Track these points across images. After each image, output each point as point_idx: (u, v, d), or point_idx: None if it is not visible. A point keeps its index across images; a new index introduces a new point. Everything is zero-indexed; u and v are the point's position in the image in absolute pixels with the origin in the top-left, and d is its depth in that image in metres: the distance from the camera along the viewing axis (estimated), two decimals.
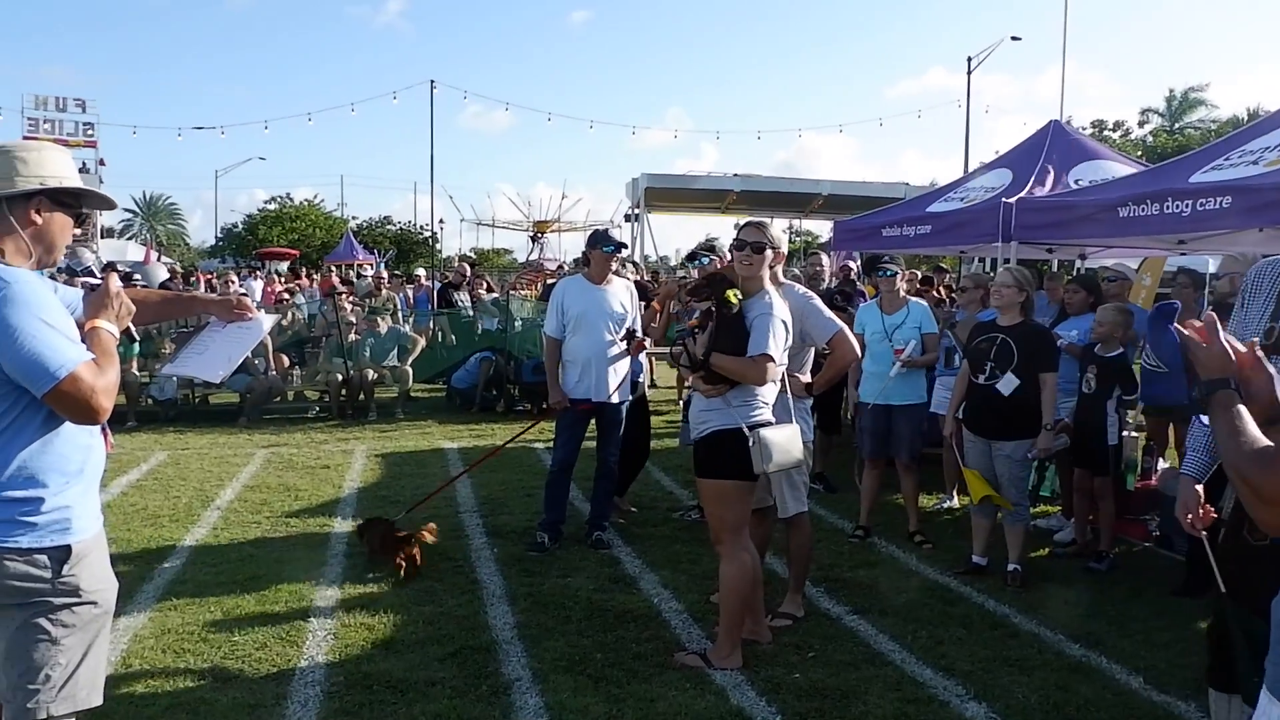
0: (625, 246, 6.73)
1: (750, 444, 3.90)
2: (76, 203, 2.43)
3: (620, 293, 6.01)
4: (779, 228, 4.33)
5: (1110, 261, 9.34)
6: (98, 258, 22.67)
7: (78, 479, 2.30)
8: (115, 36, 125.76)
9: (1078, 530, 6.00)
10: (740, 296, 4.00)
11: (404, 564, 5.17)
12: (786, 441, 4.01)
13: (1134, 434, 6.98)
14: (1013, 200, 7.53)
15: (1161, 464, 6.49)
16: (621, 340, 5.92)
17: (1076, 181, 8.26)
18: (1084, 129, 32.57)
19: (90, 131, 34.92)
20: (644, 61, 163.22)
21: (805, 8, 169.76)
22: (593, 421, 6.06)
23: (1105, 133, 37.58)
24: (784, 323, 3.98)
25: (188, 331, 2.73)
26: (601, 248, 5.91)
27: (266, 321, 2.89)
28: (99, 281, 2.44)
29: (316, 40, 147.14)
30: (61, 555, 2.24)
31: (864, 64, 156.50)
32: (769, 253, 4.07)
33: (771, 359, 3.87)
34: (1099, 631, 4.61)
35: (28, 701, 2.23)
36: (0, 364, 2.13)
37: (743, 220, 4.60)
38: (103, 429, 2.39)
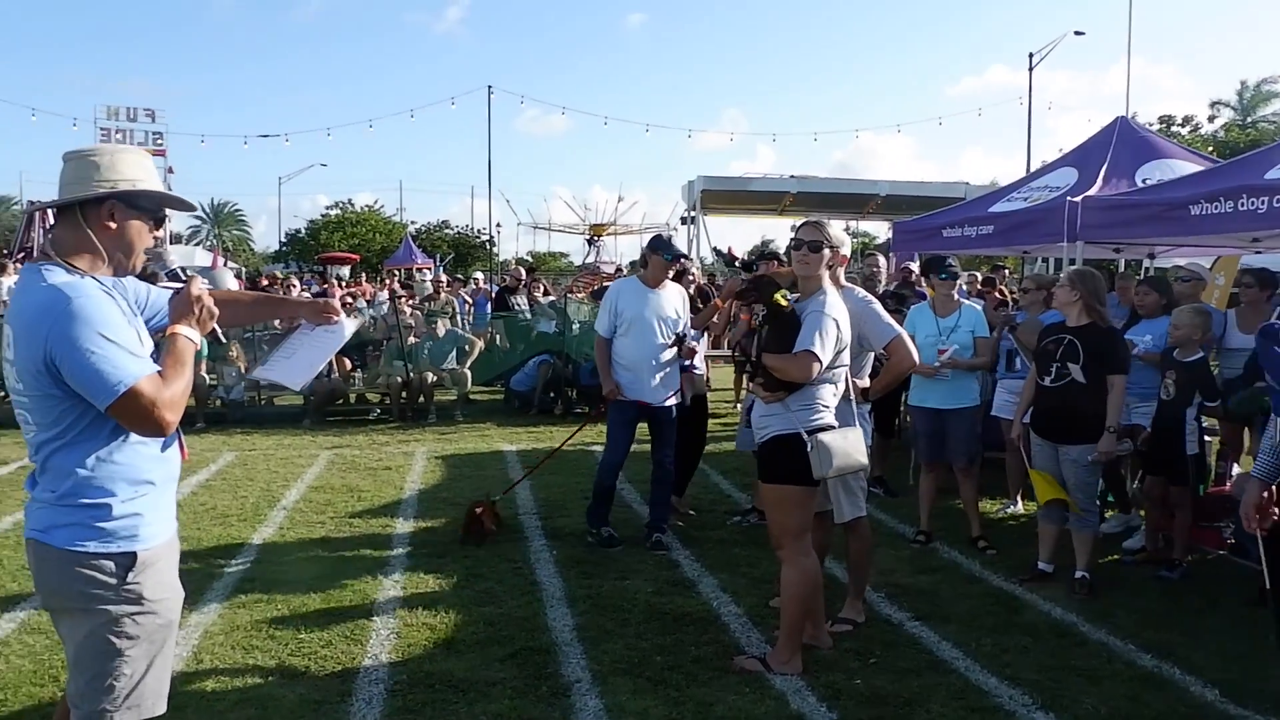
0: (686, 257, 6.76)
1: (809, 449, 3.88)
2: (154, 206, 2.39)
3: (674, 297, 6.03)
4: (839, 228, 4.29)
5: (1183, 261, 9.09)
6: (169, 262, 23.31)
7: (148, 487, 2.31)
8: (185, 47, 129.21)
9: (1148, 539, 5.84)
10: (790, 298, 3.99)
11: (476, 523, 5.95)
12: (848, 446, 3.97)
13: (1207, 439, 6.79)
14: (1078, 199, 7.37)
15: (1235, 469, 6.29)
16: (672, 345, 5.94)
17: (1144, 180, 8.04)
18: (1151, 125, 31.75)
19: (160, 140, 35.93)
20: (699, 64, 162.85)
21: (864, 8, 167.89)
22: (644, 425, 6.08)
23: (1174, 128, 36.57)
24: (836, 321, 3.93)
25: (279, 334, 2.82)
26: (662, 254, 5.95)
27: (350, 326, 2.90)
28: (182, 285, 2.47)
29: (377, 48, 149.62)
30: (128, 562, 2.26)
31: (924, 63, 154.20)
32: (826, 252, 4.04)
33: (815, 356, 3.82)
34: (1171, 642, 4.49)
35: (95, 706, 2.27)
36: (63, 375, 2.14)
37: (800, 221, 4.59)
38: (178, 439, 2.41)
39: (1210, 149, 26.77)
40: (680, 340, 5.97)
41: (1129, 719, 3.72)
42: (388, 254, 37.77)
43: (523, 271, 16.53)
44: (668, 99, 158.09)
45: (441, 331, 11.96)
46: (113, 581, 2.24)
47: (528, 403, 11.67)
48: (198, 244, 53.42)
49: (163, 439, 2.31)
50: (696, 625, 4.62)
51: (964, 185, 28.17)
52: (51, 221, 2.45)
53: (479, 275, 23.42)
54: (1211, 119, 39.57)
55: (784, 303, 3.94)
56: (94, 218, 2.27)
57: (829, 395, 4.02)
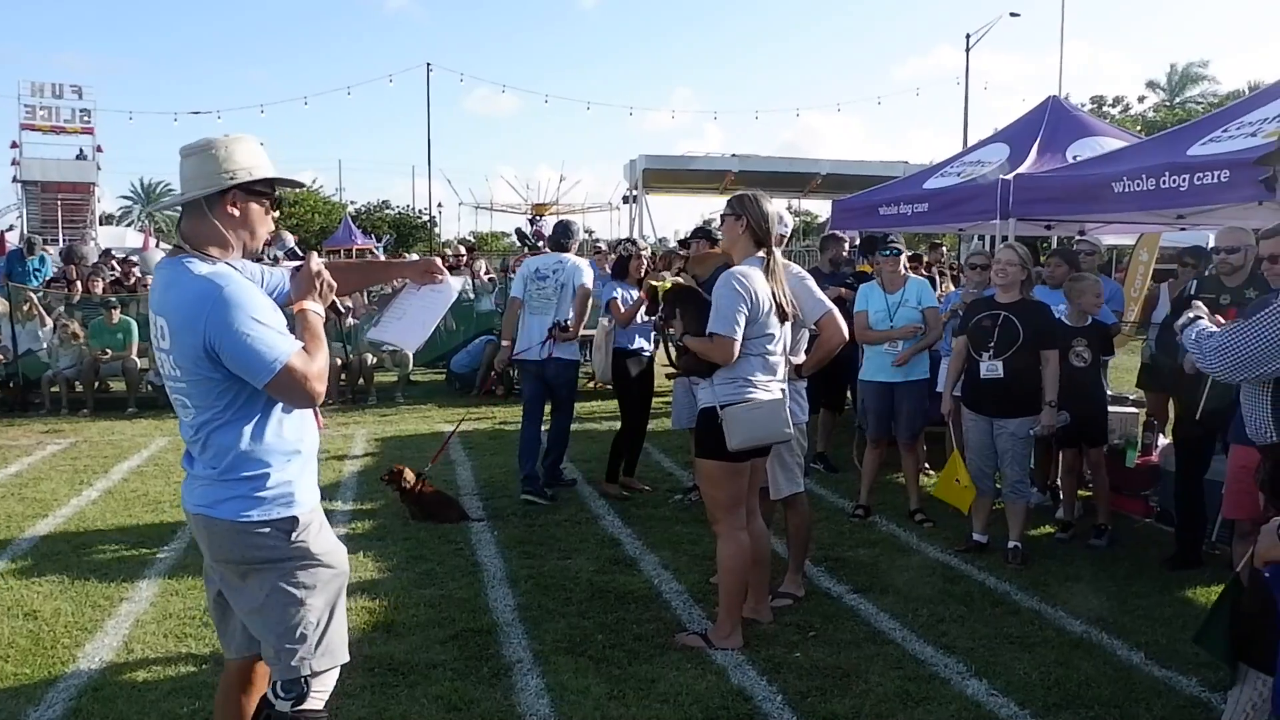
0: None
1: (719, 421, 3.89)
2: (269, 189, 2.50)
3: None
4: (779, 206, 4.26)
5: (1107, 237, 9.30)
6: (96, 244, 22.59)
7: (296, 456, 2.45)
8: (116, 22, 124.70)
9: (1065, 509, 6.00)
10: (662, 280, 4.06)
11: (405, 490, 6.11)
12: (760, 417, 3.90)
13: (1134, 410, 6.97)
14: (1009, 177, 7.47)
15: (1161, 440, 6.47)
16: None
17: (1074, 157, 8.17)
18: (1083, 105, 32.38)
19: (87, 118, 34.64)
20: (652, 44, 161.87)
21: None
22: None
23: (1105, 108, 37.35)
24: (742, 294, 3.85)
25: (387, 295, 2.89)
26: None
27: (455, 284, 2.98)
28: (301, 261, 2.56)
29: (318, 24, 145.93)
30: (289, 525, 2.41)
31: (869, 43, 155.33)
32: (744, 220, 4.01)
33: (724, 336, 3.83)
34: (1099, 608, 4.62)
35: (291, 660, 2.42)
36: (221, 359, 2.27)
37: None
38: (314, 411, 2.54)
39: (1139, 129, 27.41)
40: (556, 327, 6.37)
41: (1060, 683, 3.82)
42: (327, 235, 37.06)
43: (462, 250, 16.35)
44: (623, 78, 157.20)
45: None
46: (282, 544, 2.40)
47: (469, 384, 11.57)
48: (128, 225, 51.87)
49: (308, 410, 2.48)
50: (638, 603, 4.63)
51: (903, 164, 28.40)
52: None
53: (415, 256, 23.14)
54: (1141, 99, 40.52)
55: (657, 284, 4.00)
56: (219, 208, 2.40)
57: (753, 369, 3.94)
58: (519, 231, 18.54)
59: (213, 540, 2.44)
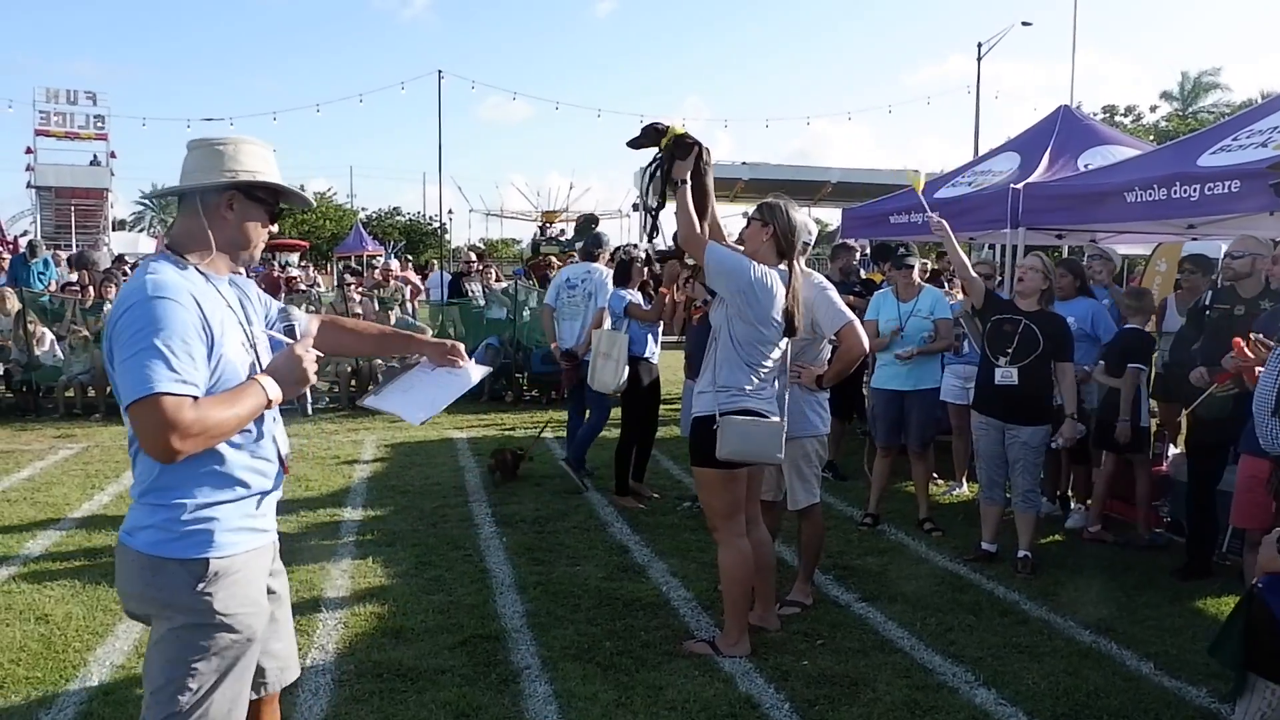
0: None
1: (715, 428, 3.88)
2: (272, 199, 2.32)
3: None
4: (803, 214, 4.17)
5: (1120, 247, 9.27)
6: (109, 250, 22.71)
7: (232, 492, 2.18)
8: (130, 29, 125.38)
9: (1094, 515, 5.96)
10: (682, 128, 4.02)
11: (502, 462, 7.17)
12: (756, 434, 3.88)
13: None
14: (1020, 186, 7.47)
15: (1172, 450, 6.45)
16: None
17: (1086, 166, 8.17)
18: (1095, 114, 32.30)
19: (101, 125, 34.92)
20: (660, 52, 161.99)
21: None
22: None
23: (1117, 118, 37.24)
24: (750, 275, 3.86)
25: (395, 368, 2.67)
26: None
27: (476, 373, 2.71)
28: (287, 335, 2.31)
29: (335, 32, 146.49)
30: (198, 570, 2.12)
31: (881, 51, 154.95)
32: (771, 227, 4.01)
33: (699, 237, 3.90)
34: (1109, 618, 4.60)
35: (158, 718, 2.15)
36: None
37: (750, 209, 4.58)
38: (278, 447, 2.30)
39: (1151, 138, 27.33)
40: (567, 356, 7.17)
41: (1069, 693, 3.81)
42: (338, 241, 37.25)
43: (473, 256, 16.40)
44: (634, 85, 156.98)
45: (392, 319, 11.82)
46: (183, 590, 2.12)
47: (478, 389, 11.58)
48: (141, 230, 52.18)
49: (255, 440, 2.21)
50: (646, 610, 4.63)
51: (914, 173, 28.41)
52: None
53: (434, 263, 23.23)
54: (1154, 109, 40.39)
55: (678, 131, 4.03)
56: (212, 207, 2.23)
57: (747, 378, 3.93)
58: (534, 241, 18.68)
59: (121, 572, 2.20)
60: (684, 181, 3.93)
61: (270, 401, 2.17)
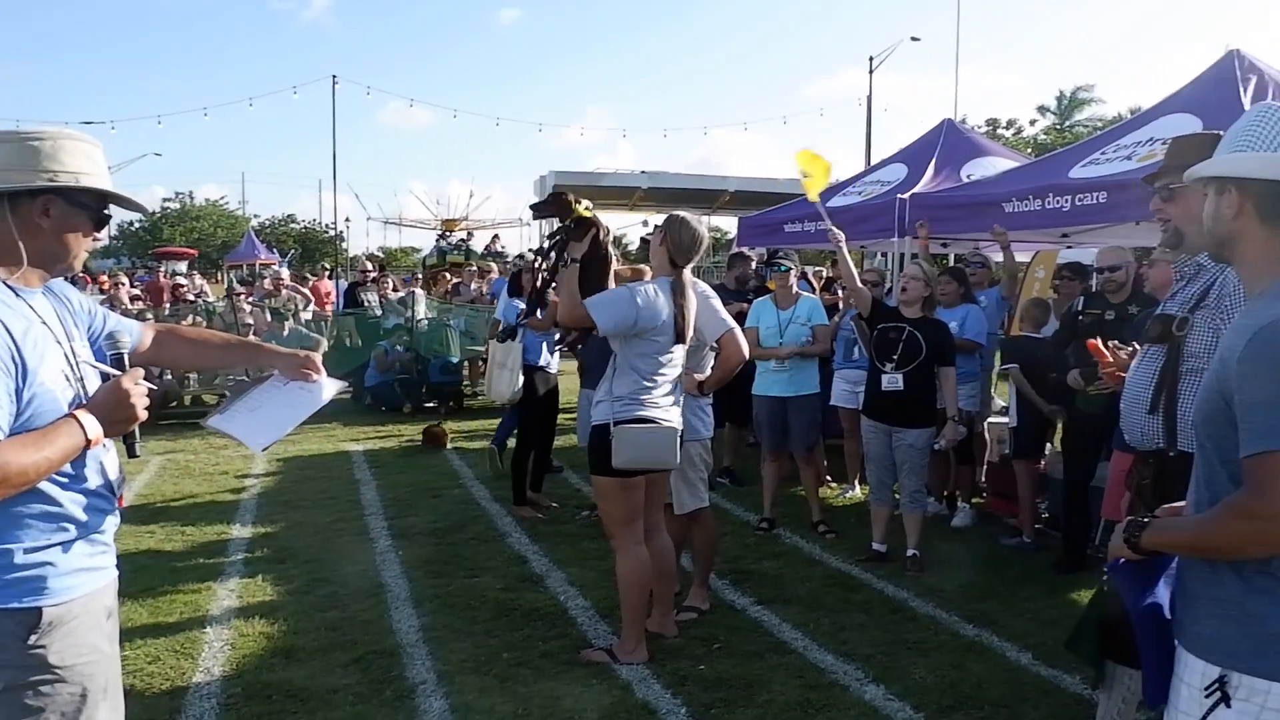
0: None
1: (611, 438, 3.94)
2: (97, 204, 2.04)
3: None
4: (702, 225, 4.33)
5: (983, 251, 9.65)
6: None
7: (64, 533, 1.93)
8: (3, 27, 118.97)
9: (1026, 527, 6.07)
10: (588, 211, 4.13)
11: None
12: (650, 441, 3.97)
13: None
14: (906, 196, 7.73)
15: (1049, 449, 6.74)
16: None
17: (969, 177, 8.51)
18: (979, 127, 33.61)
19: None
20: (561, 61, 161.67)
21: (731, 6, 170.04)
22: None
23: (999, 131, 38.78)
24: (632, 300, 3.94)
25: (245, 382, 2.39)
26: None
27: (330, 388, 2.50)
28: (115, 365, 2.05)
29: (224, 35, 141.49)
30: (29, 621, 1.87)
31: (776, 63, 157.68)
32: (663, 234, 4.16)
33: (588, 308, 3.94)
34: (992, 612, 4.79)
35: None
36: None
37: (650, 216, 4.67)
38: (114, 489, 2.07)
39: (1030, 150, 28.54)
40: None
41: (954, 685, 3.95)
42: (229, 249, 36.10)
43: (370, 266, 16.11)
44: (536, 95, 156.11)
45: (286, 330, 11.51)
46: (12, 643, 1.86)
47: (384, 397, 11.35)
48: None
49: (83, 471, 1.96)
50: (545, 620, 4.62)
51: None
52: None
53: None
54: (1033, 122, 42.20)
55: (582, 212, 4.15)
56: (24, 212, 1.93)
57: (643, 388, 4.00)
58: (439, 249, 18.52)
59: None
60: (575, 260, 4.06)
61: (90, 441, 1.90)
